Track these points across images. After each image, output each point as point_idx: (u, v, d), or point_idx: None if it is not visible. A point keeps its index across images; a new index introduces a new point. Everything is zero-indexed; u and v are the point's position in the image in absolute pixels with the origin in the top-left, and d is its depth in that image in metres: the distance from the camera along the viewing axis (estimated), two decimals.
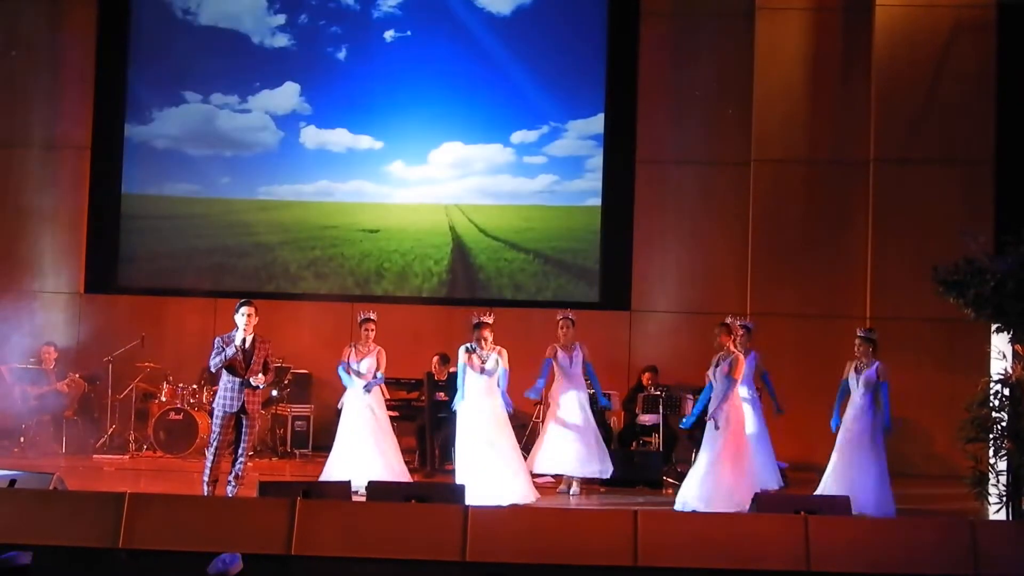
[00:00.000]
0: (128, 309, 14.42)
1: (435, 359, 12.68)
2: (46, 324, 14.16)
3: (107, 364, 13.17)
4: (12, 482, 7.99)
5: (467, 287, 14.74)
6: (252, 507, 8.06)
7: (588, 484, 11.36)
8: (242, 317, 9.44)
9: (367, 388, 10.79)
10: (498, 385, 10.40)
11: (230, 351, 9.36)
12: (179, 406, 12.84)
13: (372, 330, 10.97)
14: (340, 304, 14.16)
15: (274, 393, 13.10)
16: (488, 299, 14.13)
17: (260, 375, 9.40)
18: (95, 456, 12.64)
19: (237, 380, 9.40)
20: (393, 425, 11.25)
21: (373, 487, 8.64)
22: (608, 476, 11.08)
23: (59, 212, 14.72)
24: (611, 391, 12.87)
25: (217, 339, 9.51)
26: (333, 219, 14.98)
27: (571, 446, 10.94)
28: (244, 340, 9.43)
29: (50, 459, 12.17)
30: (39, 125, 14.83)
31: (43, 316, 14.26)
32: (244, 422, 9.49)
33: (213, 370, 9.62)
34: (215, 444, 9.45)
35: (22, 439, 12.83)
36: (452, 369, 12.30)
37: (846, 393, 10.29)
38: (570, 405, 11.06)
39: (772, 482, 11.09)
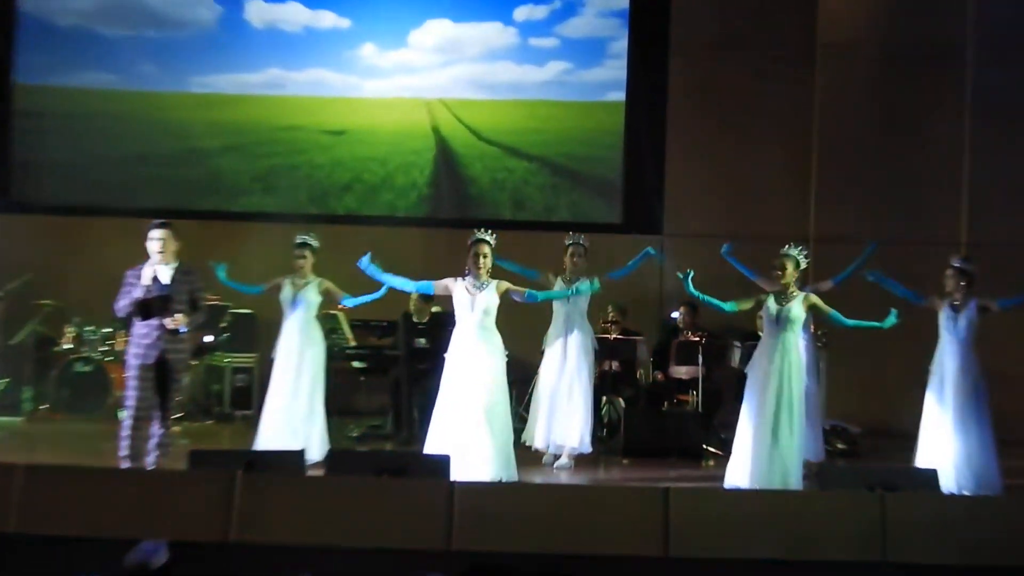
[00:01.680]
0: (25, 232, 14.19)
1: (414, 296, 12.56)
2: None
3: None
4: None
5: (455, 204, 14.68)
6: (180, 483, 7.99)
7: (610, 456, 11.38)
8: (154, 243, 9.27)
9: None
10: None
11: (137, 291, 9.21)
12: (87, 356, 12.81)
13: (305, 257, 10.81)
14: (296, 227, 13.96)
15: (208, 339, 13.02)
16: (482, 219, 13.94)
17: (180, 316, 9.26)
18: None
19: (153, 324, 9.28)
20: (361, 379, 11.18)
21: (335, 457, 8.59)
22: (585, 451, 11.03)
23: None
24: (638, 336, 12.77)
25: (128, 273, 9.37)
26: (288, 118, 14.91)
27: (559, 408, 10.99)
28: (157, 273, 9.28)
29: None
30: None
31: None
32: (167, 377, 9.38)
33: (120, 314, 9.47)
34: (131, 406, 9.36)
35: None
36: (436, 308, 12.21)
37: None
38: (563, 353, 11.03)
39: (811, 453, 11.01)
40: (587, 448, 11.01)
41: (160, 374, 9.36)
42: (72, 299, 13.38)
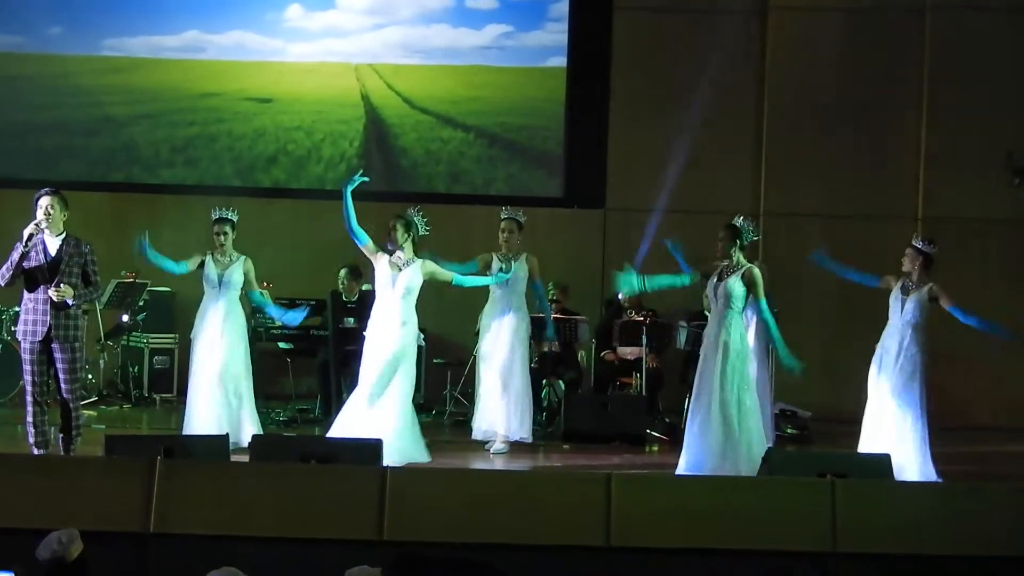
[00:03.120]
0: None
1: (342, 273, 12.60)
2: None
3: None
4: None
5: (386, 177, 14.64)
6: (96, 470, 8.01)
7: (549, 442, 11.46)
8: (40, 211, 9.26)
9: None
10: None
11: (15, 254, 9.21)
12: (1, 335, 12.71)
13: (226, 234, 10.82)
14: (219, 200, 13.92)
15: (124, 318, 13.00)
16: (415, 193, 14.04)
17: (66, 287, 9.23)
18: None
19: (40, 297, 9.27)
20: (287, 361, 11.21)
21: (259, 443, 8.63)
22: (525, 439, 11.12)
23: None
24: (579, 316, 12.86)
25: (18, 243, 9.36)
26: (209, 85, 14.85)
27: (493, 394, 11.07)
28: (44, 243, 9.26)
29: None
30: None
31: None
32: (57, 353, 9.36)
33: (1, 282, 9.43)
34: (28, 386, 9.34)
35: None
36: (365, 286, 12.25)
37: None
38: (497, 337, 11.11)
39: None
40: (526, 436, 11.08)
41: (50, 351, 9.33)
42: None
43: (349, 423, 9.86)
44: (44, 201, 9.24)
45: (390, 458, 9.27)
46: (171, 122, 14.80)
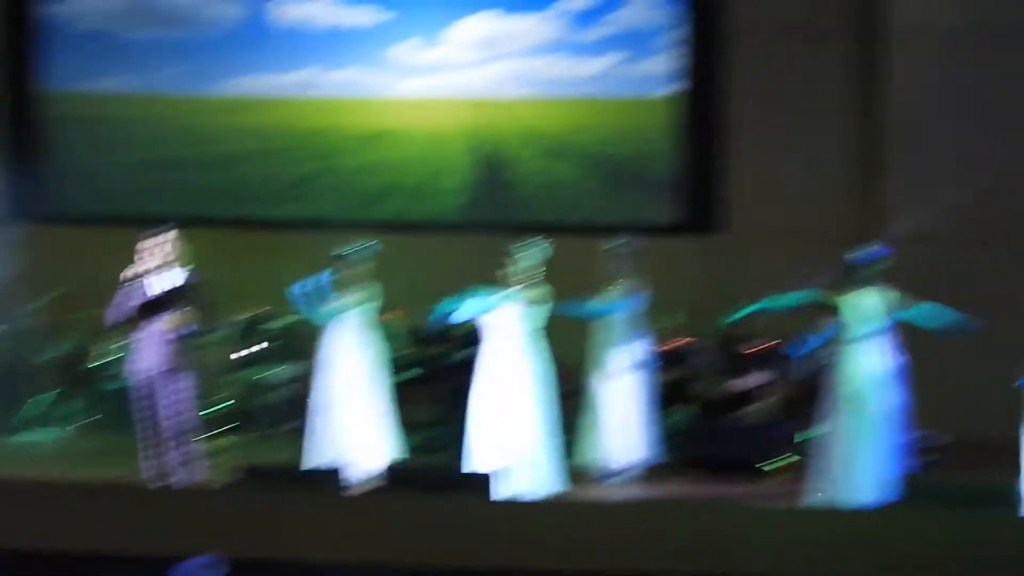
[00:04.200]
0: (58, 243, 14.47)
1: None
2: None
3: (31, 317, 13.56)
4: None
5: (499, 208, 14.74)
6: (226, 499, 8.15)
7: (673, 471, 11.50)
8: (154, 248, 9.62)
9: None
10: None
11: (122, 295, 9.50)
12: (124, 369, 12.88)
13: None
14: (335, 234, 14.12)
15: (247, 351, 13.24)
16: (528, 224, 14.10)
17: (177, 318, 9.43)
18: (18, 435, 12.98)
19: (152, 330, 9.47)
20: (416, 389, 11.34)
21: (389, 472, 8.72)
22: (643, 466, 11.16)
23: None
24: (700, 344, 12.87)
25: (127, 279, 9.64)
26: (320, 121, 15.07)
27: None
28: (157, 278, 9.48)
29: None
30: None
31: None
32: (169, 386, 9.57)
33: (112, 319, 9.64)
34: (143, 420, 9.55)
35: None
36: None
37: None
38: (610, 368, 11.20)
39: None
40: (645, 463, 11.12)
41: (162, 384, 9.52)
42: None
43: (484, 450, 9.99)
44: (158, 240, 9.50)
45: (523, 487, 9.45)
46: (282, 160, 15.07)
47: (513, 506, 7.95)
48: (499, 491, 8.40)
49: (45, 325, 13.48)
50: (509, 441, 10.04)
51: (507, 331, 10.25)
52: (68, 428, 13.09)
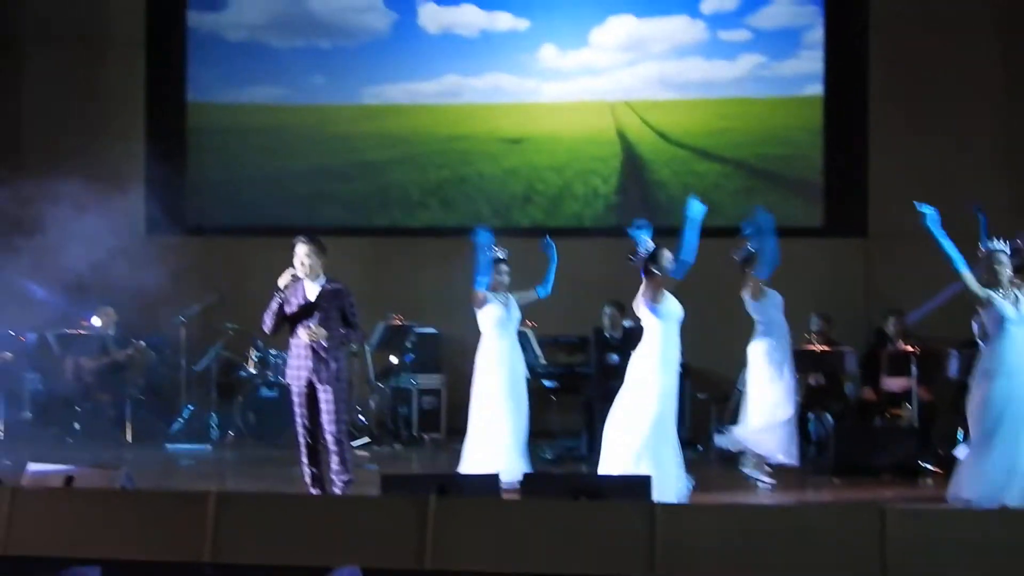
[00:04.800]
0: (202, 254, 14.75)
1: (608, 309, 12.72)
2: (99, 278, 14.41)
3: (179, 328, 13.64)
4: (68, 479, 8.32)
5: (644, 211, 14.68)
6: (372, 508, 8.21)
7: (817, 475, 11.37)
8: (297, 258, 9.60)
9: None
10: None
11: (275, 303, 9.57)
12: (273, 379, 13.21)
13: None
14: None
15: (392, 360, 13.34)
16: (672, 227, 14.02)
17: (317, 329, 9.52)
18: (168, 446, 13.16)
19: (302, 341, 9.57)
20: (552, 398, 11.35)
21: (530, 480, 8.74)
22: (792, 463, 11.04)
23: (108, 129, 15.07)
24: (844, 347, 12.73)
25: (276, 288, 9.68)
26: (462, 127, 15.21)
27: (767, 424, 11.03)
28: (303, 289, 9.60)
29: (113, 450, 12.68)
30: (78, 14, 15.27)
31: (94, 267, 14.50)
32: (320, 395, 9.64)
33: (265, 329, 9.76)
34: (299, 427, 9.68)
35: (76, 425, 13.41)
36: (628, 322, 12.35)
37: None
38: (776, 364, 11.07)
39: None
40: (793, 465, 11.03)
41: (315, 393, 9.67)
42: (255, 322, 13.56)
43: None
44: (301, 249, 9.55)
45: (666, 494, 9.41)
46: (422, 165, 15.23)
47: (660, 510, 7.86)
48: (651, 496, 8.38)
49: (194, 335, 13.69)
50: (645, 446, 9.96)
51: (644, 337, 10.17)
52: (220, 438, 13.26)
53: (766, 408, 11.07)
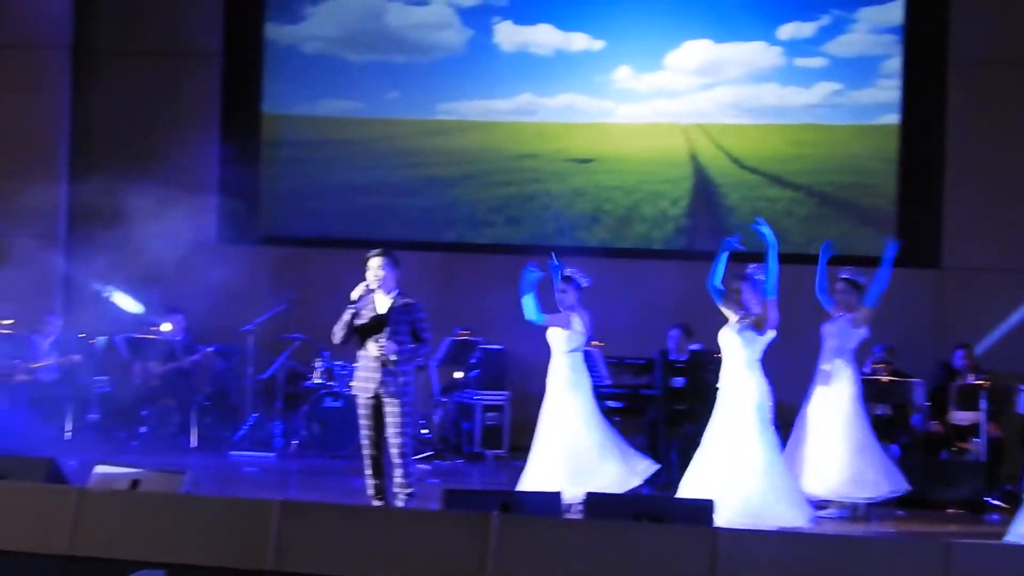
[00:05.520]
0: (272, 263, 14.87)
1: (673, 333, 12.70)
2: (170, 284, 14.57)
3: (246, 335, 13.74)
4: (134, 482, 8.38)
5: (713, 236, 14.64)
6: (434, 523, 8.21)
7: (881, 507, 11.25)
8: (370, 271, 9.65)
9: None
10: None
11: (347, 315, 9.61)
12: (338, 390, 13.26)
13: (564, 292, 10.96)
14: (541, 258, 14.13)
15: (457, 375, 13.35)
16: (740, 252, 13.99)
17: (383, 339, 9.54)
18: (232, 453, 13.24)
19: (370, 354, 9.60)
20: (615, 421, 11.30)
21: (593, 500, 8.71)
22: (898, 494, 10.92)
23: (184, 138, 15.18)
24: (912, 378, 12.63)
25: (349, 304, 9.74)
26: (532, 145, 15.24)
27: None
28: (374, 302, 9.64)
29: (177, 456, 12.80)
30: (158, 26, 15.44)
31: (166, 274, 14.62)
32: (386, 408, 9.65)
33: (335, 340, 9.80)
34: (363, 440, 9.73)
35: (142, 429, 13.53)
36: (694, 346, 12.32)
37: None
38: (843, 398, 10.96)
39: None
40: (863, 497, 10.92)
41: (380, 406, 9.69)
42: (321, 332, 13.54)
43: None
44: (374, 262, 9.62)
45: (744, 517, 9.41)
46: (488, 182, 15.27)
47: (722, 535, 7.82)
48: (719, 520, 8.35)
49: (262, 344, 13.77)
50: (731, 470, 9.93)
51: (729, 360, 10.14)
52: (284, 447, 13.31)
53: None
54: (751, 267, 10.23)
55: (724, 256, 10.26)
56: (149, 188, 13.17)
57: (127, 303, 14.32)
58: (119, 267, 13.78)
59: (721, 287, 10.22)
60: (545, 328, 10.70)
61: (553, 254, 10.71)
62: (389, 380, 9.57)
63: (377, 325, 9.58)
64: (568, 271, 10.85)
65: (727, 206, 14.83)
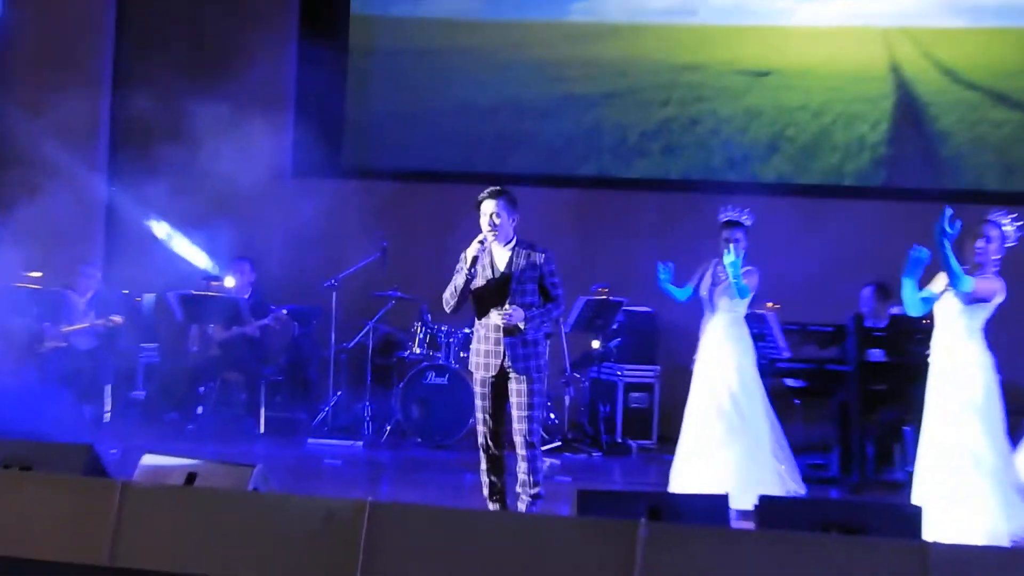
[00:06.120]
0: (360, 203, 14.78)
1: (867, 292, 12.52)
2: (234, 227, 14.44)
3: (329, 292, 13.75)
4: (191, 476, 8.40)
5: (921, 169, 14.50)
6: (565, 532, 8.18)
7: None
8: (483, 218, 9.41)
9: None
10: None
11: (460, 278, 9.39)
12: (443, 363, 13.22)
13: (738, 240, 10.79)
14: (701, 197, 14.03)
15: (594, 345, 13.30)
16: (958, 191, 13.81)
17: (510, 306, 9.36)
18: (311, 440, 13.31)
19: (491, 323, 9.43)
20: (796, 402, 11.20)
21: (767, 505, 8.63)
22: None
23: (252, 45, 15.21)
24: None
25: (462, 255, 9.49)
26: (694, 55, 15.16)
27: None
28: (492, 257, 9.48)
29: (241, 444, 12.90)
30: None
31: (229, 214, 14.55)
32: (512, 386, 9.49)
33: (447, 309, 9.61)
34: (481, 427, 9.57)
35: (199, 409, 13.65)
36: (895, 309, 12.12)
37: None
38: None
39: None
40: None
41: (505, 386, 9.52)
42: (422, 290, 13.50)
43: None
44: (488, 206, 9.30)
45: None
46: (641, 101, 15.20)
47: (934, 551, 7.71)
48: (921, 532, 8.21)
49: (347, 304, 13.70)
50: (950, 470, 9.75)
51: (942, 330, 9.88)
52: (374, 434, 13.35)
53: None
54: (994, 212, 9.82)
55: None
56: (209, 105, 13.20)
57: (189, 251, 14.38)
58: (170, 204, 13.84)
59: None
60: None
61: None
62: (518, 353, 9.40)
63: (498, 288, 9.37)
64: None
65: (939, 131, 14.66)
